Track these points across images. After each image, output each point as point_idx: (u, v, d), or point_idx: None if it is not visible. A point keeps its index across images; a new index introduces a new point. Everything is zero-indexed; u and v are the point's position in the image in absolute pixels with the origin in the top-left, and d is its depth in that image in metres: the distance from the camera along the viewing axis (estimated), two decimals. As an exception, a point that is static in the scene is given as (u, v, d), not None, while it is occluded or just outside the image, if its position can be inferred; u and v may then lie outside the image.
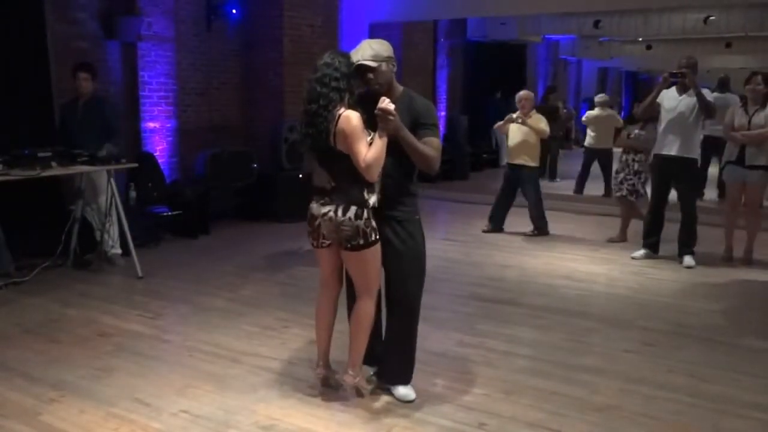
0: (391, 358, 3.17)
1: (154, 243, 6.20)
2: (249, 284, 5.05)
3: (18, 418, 2.91)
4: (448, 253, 6.10)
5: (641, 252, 5.92)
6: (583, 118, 9.60)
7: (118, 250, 5.45)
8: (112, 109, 5.57)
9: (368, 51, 2.89)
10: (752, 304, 4.77)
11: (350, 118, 2.79)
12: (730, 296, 4.90)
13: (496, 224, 7.00)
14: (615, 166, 6.65)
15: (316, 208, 2.97)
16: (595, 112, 9.19)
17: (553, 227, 6.78)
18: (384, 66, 2.90)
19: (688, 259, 5.66)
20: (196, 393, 3.16)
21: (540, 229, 6.83)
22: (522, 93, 6.74)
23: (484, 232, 6.94)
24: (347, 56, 2.89)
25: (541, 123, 6.62)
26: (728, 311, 4.57)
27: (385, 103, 2.76)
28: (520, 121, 6.57)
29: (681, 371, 3.50)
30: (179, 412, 2.97)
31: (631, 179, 6.38)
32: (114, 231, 5.33)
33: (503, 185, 6.97)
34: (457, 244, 6.56)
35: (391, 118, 2.76)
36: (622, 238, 6.59)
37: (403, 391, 3.13)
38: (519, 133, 6.64)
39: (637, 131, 6.34)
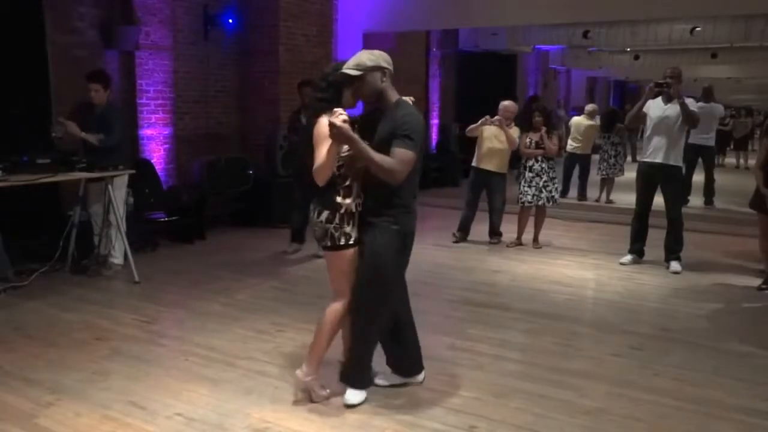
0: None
1: (151, 248, 6.26)
2: (244, 289, 5.09)
3: (15, 421, 2.94)
4: (439, 259, 6.16)
5: (628, 257, 6.01)
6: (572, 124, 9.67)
7: (119, 260, 5.44)
8: (116, 115, 5.43)
9: (353, 61, 2.88)
10: (736, 309, 4.86)
11: (320, 123, 2.84)
12: (715, 301, 4.97)
13: (467, 234, 6.96)
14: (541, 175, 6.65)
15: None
16: (583, 120, 9.38)
17: (543, 233, 6.86)
18: (368, 76, 2.88)
19: (674, 265, 5.75)
20: (191, 396, 3.20)
21: (500, 236, 6.91)
22: (506, 103, 6.66)
23: (455, 242, 6.86)
24: (341, 66, 2.93)
25: (516, 134, 6.59)
26: (713, 316, 4.64)
27: (335, 115, 2.78)
28: (497, 123, 6.48)
29: (667, 375, 3.55)
30: (174, 415, 3.00)
31: (549, 185, 6.58)
32: (113, 238, 5.34)
33: (472, 192, 6.87)
34: (448, 250, 6.62)
35: (334, 131, 2.71)
36: (519, 242, 6.77)
37: (347, 394, 3.12)
38: (496, 140, 6.58)
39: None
